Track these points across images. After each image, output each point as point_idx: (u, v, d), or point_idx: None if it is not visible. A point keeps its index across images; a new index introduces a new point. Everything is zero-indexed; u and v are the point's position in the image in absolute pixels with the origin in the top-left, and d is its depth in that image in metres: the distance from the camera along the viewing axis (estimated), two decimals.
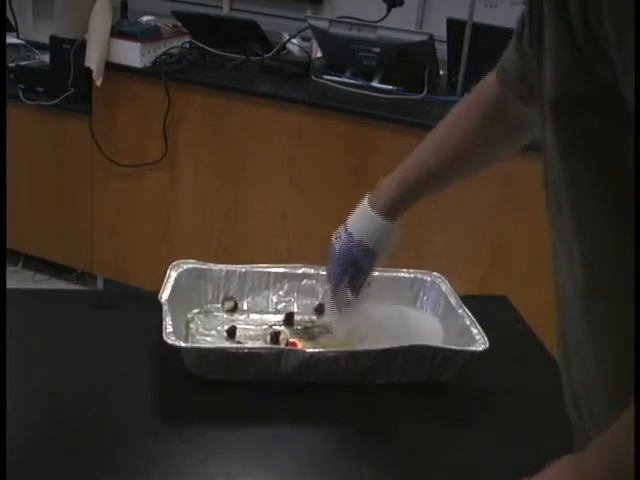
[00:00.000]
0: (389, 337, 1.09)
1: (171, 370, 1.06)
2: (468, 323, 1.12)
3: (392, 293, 1.26)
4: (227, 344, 1.13)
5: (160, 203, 2.56)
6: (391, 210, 1.06)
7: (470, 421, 1.05)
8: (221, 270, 1.23)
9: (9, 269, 2.88)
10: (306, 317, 1.23)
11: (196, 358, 1.04)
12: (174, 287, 1.15)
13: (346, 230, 1.08)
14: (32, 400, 1.00)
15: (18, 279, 2.85)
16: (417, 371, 1.08)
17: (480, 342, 1.08)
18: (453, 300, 1.20)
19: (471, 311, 1.14)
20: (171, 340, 1.01)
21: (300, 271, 1.26)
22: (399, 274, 1.27)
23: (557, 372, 1.18)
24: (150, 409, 1.01)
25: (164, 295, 1.11)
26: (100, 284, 2.81)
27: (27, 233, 2.78)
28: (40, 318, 1.20)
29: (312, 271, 1.26)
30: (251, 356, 1.04)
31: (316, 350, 1.04)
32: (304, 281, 1.26)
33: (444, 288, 1.23)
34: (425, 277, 1.27)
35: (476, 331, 1.10)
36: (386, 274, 1.27)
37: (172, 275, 1.17)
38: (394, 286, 1.26)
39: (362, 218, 1.07)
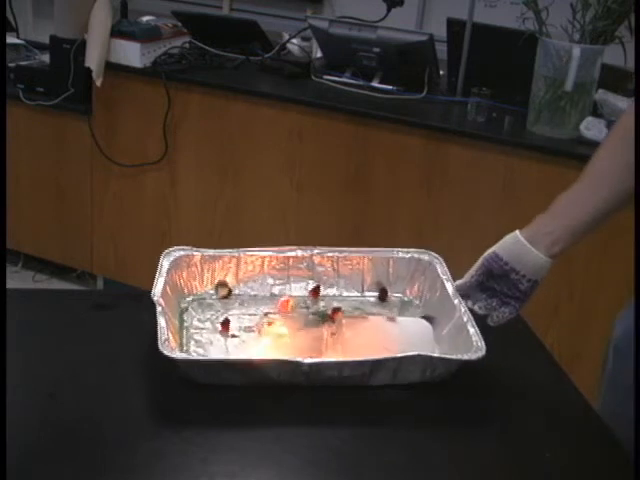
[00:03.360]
0: (381, 346, 1.10)
1: (171, 370, 1.06)
2: (465, 320, 1.11)
3: (388, 273, 1.25)
4: (222, 339, 1.11)
5: (160, 203, 2.56)
6: (557, 254, 1.08)
7: (470, 421, 1.05)
8: (214, 255, 1.22)
9: (9, 269, 2.88)
10: (301, 302, 1.21)
11: (191, 368, 1.03)
12: (167, 277, 1.14)
13: (507, 264, 1.08)
14: (32, 400, 1.00)
15: (18, 279, 2.85)
16: (412, 376, 1.07)
17: (476, 347, 1.06)
18: (448, 284, 1.18)
19: (471, 311, 1.14)
20: (167, 351, 1.00)
21: (294, 253, 1.25)
22: (397, 254, 1.26)
23: (557, 372, 1.18)
24: (150, 409, 1.01)
25: (157, 291, 1.10)
26: (100, 284, 2.81)
27: (27, 233, 2.79)
28: (40, 318, 1.20)
29: (307, 253, 1.25)
30: (247, 366, 1.03)
31: (313, 361, 1.03)
32: (299, 264, 1.24)
33: (440, 271, 1.21)
34: (422, 256, 1.25)
35: (473, 331, 1.09)
36: (382, 254, 1.25)
37: (164, 264, 1.16)
38: (393, 264, 1.25)
39: (525, 254, 1.07)
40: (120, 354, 1.11)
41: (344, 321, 1.18)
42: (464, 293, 1.14)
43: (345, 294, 1.25)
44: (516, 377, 1.15)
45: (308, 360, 1.02)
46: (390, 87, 2.33)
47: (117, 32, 2.41)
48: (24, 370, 1.06)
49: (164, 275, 1.15)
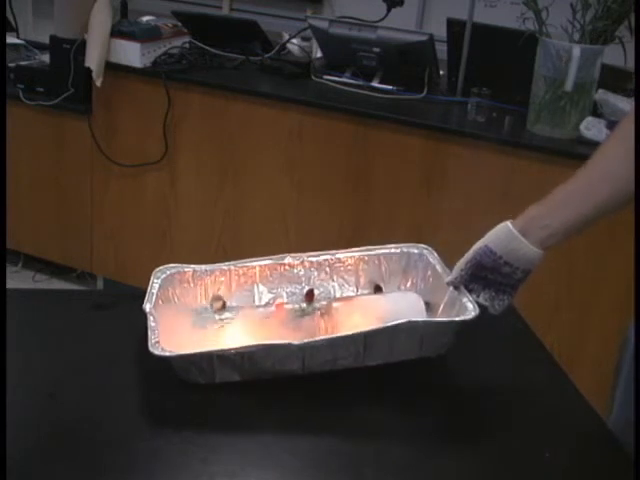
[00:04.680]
0: (373, 321, 1.08)
1: (171, 370, 1.06)
2: (457, 293, 1.11)
3: (381, 271, 1.25)
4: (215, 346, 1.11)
5: (160, 203, 2.56)
6: (550, 245, 1.06)
7: (470, 421, 1.05)
8: (205, 270, 1.21)
9: (9, 269, 2.88)
10: (296, 305, 1.21)
11: (184, 365, 1.03)
12: (160, 294, 1.13)
13: (497, 255, 1.07)
14: (32, 400, 1.00)
15: (18, 279, 2.85)
16: (408, 349, 1.06)
17: (469, 311, 1.06)
18: (440, 269, 1.18)
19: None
20: (158, 351, 1.00)
21: (285, 261, 1.24)
22: (388, 250, 1.26)
23: (557, 372, 1.18)
24: (150, 409, 1.01)
25: (147, 305, 1.09)
26: (100, 284, 2.81)
27: (27, 233, 2.79)
28: (40, 318, 1.20)
29: (297, 260, 1.24)
30: (238, 356, 1.02)
31: (303, 342, 1.02)
32: (291, 271, 1.24)
33: (431, 259, 1.22)
34: (412, 250, 1.26)
35: (466, 299, 1.09)
36: (373, 252, 1.26)
37: (155, 282, 1.16)
38: (384, 261, 1.25)
39: (520, 248, 1.06)
40: (120, 354, 1.11)
41: (334, 304, 1.18)
42: (456, 287, 1.12)
43: (338, 295, 1.25)
44: (516, 377, 1.15)
45: (298, 342, 1.01)
46: (390, 87, 2.33)
47: (117, 32, 2.41)
48: (24, 370, 1.06)
49: (155, 290, 1.14)
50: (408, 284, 1.25)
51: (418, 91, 2.29)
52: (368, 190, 2.26)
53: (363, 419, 1.03)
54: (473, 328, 1.13)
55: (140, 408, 1.01)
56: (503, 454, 0.99)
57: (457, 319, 1.06)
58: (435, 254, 1.24)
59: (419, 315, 1.13)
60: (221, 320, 1.18)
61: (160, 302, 1.13)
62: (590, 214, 1.05)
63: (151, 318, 1.06)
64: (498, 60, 2.25)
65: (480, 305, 1.09)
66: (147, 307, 1.09)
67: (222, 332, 1.15)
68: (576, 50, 1.95)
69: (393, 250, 1.26)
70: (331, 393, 1.06)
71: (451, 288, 1.13)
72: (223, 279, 1.22)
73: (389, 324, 1.03)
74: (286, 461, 0.94)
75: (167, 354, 1.00)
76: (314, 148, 2.30)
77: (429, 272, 1.22)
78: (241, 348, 1.03)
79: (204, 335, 1.13)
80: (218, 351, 1.03)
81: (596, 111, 2.10)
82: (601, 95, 2.11)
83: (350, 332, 1.03)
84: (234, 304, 1.22)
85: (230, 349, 1.03)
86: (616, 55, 1.97)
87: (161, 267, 1.19)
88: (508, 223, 1.07)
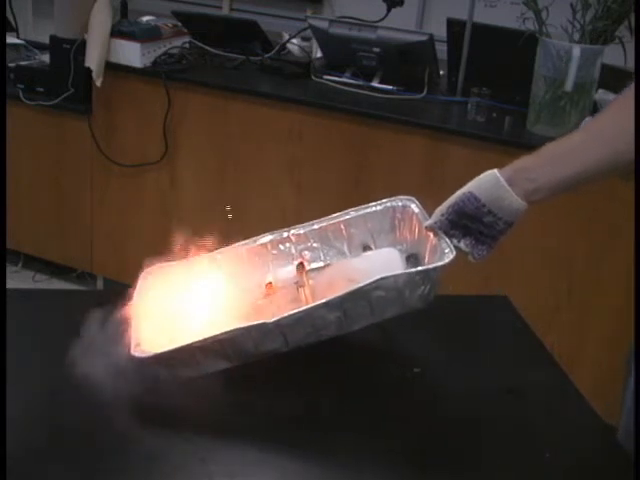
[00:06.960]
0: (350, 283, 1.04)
1: None
2: (437, 240, 1.08)
3: (369, 230, 1.23)
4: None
5: (160, 203, 2.56)
6: (535, 200, 1.03)
7: (470, 421, 1.05)
8: (191, 261, 1.20)
9: (9, 269, 2.88)
10: (289, 282, 1.19)
11: (168, 362, 1.01)
12: (150, 293, 1.13)
13: (481, 202, 1.04)
14: (32, 400, 1.00)
15: (18, 279, 2.85)
16: (389, 306, 1.02)
17: (447, 253, 1.03)
18: (422, 217, 1.16)
19: (471, 311, 1.14)
20: (139, 353, 0.99)
21: (269, 238, 1.22)
22: (371, 209, 1.24)
23: (557, 372, 1.18)
24: (150, 409, 1.01)
25: (135, 306, 1.09)
26: (100, 284, 2.81)
27: (27, 233, 2.79)
28: (40, 318, 1.20)
29: (283, 235, 1.22)
30: (217, 344, 1.00)
31: (276, 318, 0.98)
32: (277, 247, 1.22)
33: (415, 208, 1.20)
34: (395, 203, 1.23)
35: (444, 244, 1.06)
36: (359, 212, 1.24)
37: (143, 284, 1.16)
38: (370, 220, 1.24)
39: (504, 198, 1.03)
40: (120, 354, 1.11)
41: (312, 274, 1.16)
42: (435, 232, 1.10)
43: (329, 262, 1.22)
44: (516, 377, 1.15)
45: (271, 319, 0.98)
46: (390, 87, 2.33)
47: (117, 32, 2.41)
48: (24, 370, 1.06)
49: (145, 291, 1.14)
50: (398, 238, 1.21)
51: (418, 91, 2.29)
52: (368, 190, 2.26)
53: (364, 419, 1.03)
54: (473, 328, 1.14)
55: (139, 408, 1.01)
56: (503, 454, 0.99)
57: (431, 266, 1.02)
58: (417, 202, 1.21)
59: (396, 269, 1.09)
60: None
61: (148, 300, 1.13)
62: (575, 176, 1.01)
63: (132, 320, 1.05)
64: (498, 60, 2.25)
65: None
66: (129, 308, 1.08)
67: (210, 319, 1.11)
68: (576, 50, 1.95)
69: (377, 208, 1.24)
70: (331, 393, 1.06)
71: (432, 234, 1.10)
72: (213, 266, 1.21)
73: (359, 285, 0.99)
74: (285, 461, 0.94)
75: (145, 355, 0.99)
76: (314, 148, 2.30)
77: (414, 222, 1.19)
78: (218, 335, 0.99)
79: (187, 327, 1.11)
80: (196, 342, 1.00)
81: (596, 111, 2.10)
82: (601, 95, 2.11)
83: (322, 300, 0.99)
84: (225, 289, 1.19)
85: (207, 338, 1.00)
86: (616, 55, 1.97)
87: (147, 269, 1.19)
88: (495, 171, 1.03)
